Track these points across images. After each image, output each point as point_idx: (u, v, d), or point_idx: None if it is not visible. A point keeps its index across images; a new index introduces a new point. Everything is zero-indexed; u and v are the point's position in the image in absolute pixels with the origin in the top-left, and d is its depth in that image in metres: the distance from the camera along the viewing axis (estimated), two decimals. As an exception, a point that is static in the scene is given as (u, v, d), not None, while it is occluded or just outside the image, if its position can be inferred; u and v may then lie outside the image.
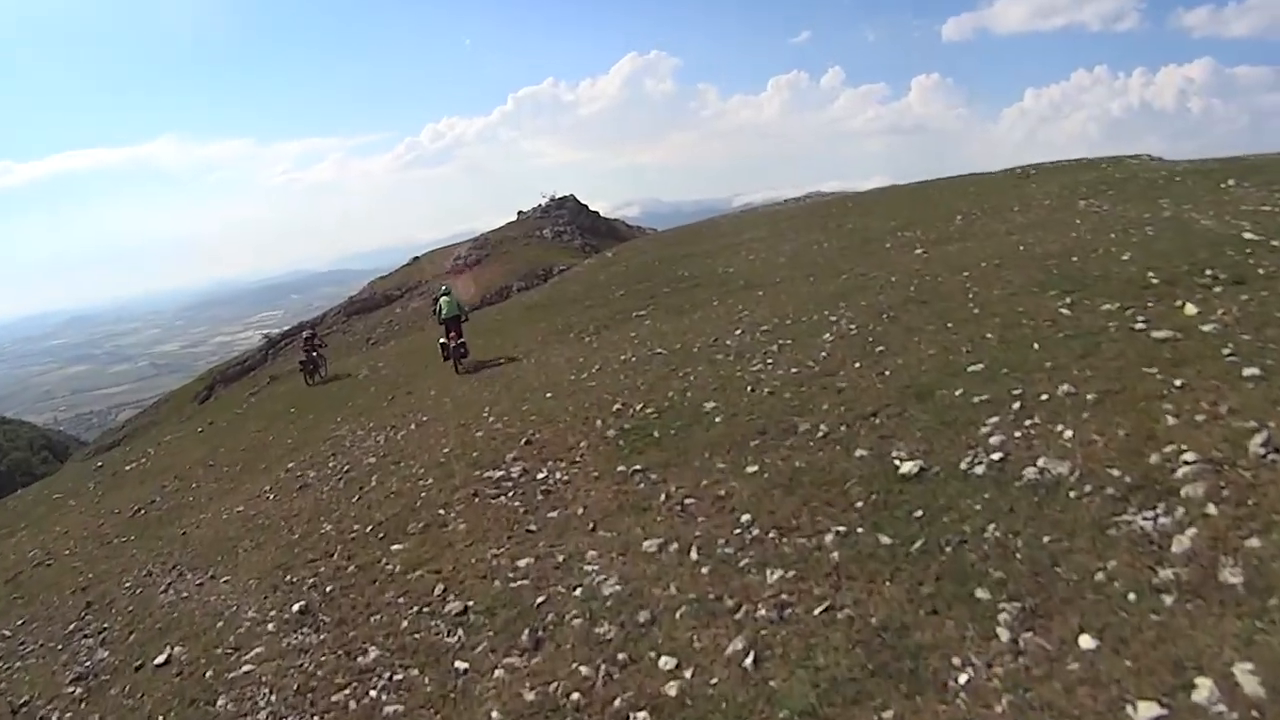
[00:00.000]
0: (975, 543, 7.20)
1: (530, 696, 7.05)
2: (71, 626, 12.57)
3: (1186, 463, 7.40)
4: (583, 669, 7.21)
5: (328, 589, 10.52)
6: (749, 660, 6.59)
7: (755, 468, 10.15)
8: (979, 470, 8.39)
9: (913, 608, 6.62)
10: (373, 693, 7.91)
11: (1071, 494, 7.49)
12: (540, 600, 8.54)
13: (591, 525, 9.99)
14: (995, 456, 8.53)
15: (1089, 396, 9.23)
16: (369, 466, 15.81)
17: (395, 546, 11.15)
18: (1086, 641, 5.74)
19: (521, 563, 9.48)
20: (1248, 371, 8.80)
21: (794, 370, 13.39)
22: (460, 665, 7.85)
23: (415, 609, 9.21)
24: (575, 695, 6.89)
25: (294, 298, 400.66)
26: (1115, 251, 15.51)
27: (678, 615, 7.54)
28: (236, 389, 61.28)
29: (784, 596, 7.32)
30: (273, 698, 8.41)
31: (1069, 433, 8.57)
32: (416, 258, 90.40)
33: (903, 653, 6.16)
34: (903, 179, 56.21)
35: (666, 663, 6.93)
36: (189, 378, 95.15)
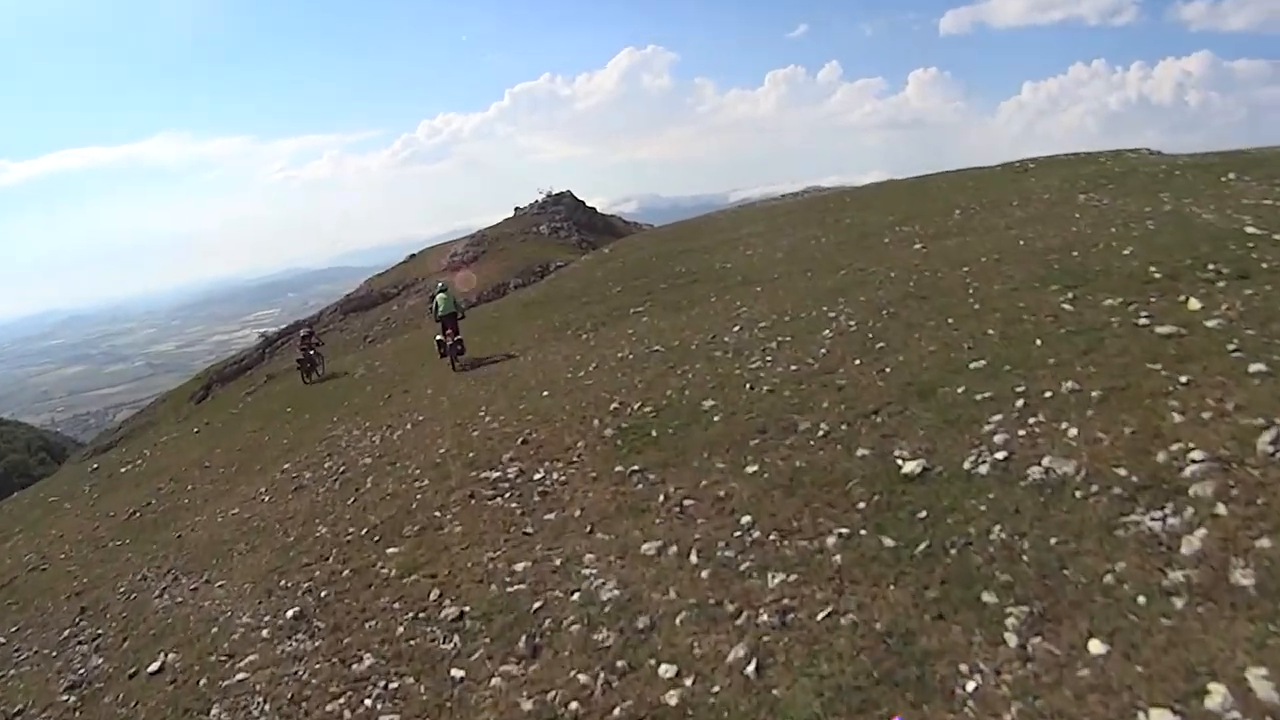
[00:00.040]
0: (981, 545, 7.07)
1: (528, 706, 6.92)
2: (66, 633, 12.46)
3: (1194, 461, 7.26)
4: (581, 677, 7.08)
5: (322, 594, 10.39)
6: (751, 668, 6.45)
7: (755, 467, 10.01)
8: (983, 470, 8.26)
9: (918, 612, 6.49)
10: (367, 702, 7.78)
11: (1078, 494, 7.36)
12: (537, 605, 8.39)
13: (589, 527, 9.85)
14: (999, 456, 8.39)
15: (1093, 394, 9.10)
16: (365, 467, 15.68)
17: (390, 550, 11.01)
18: (1096, 647, 5.62)
19: (518, 566, 9.34)
20: (1254, 367, 8.68)
21: (793, 367, 13.26)
22: (456, 673, 7.72)
23: (411, 615, 9.07)
24: (574, 705, 6.76)
25: (291, 296, 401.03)
26: (1116, 246, 15.44)
27: (678, 621, 7.40)
28: (233, 388, 61.26)
29: (786, 601, 7.18)
30: (266, 707, 8.29)
31: (1074, 431, 8.44)
32: (413, 255, 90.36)
33: (909, 659, 6.03)
34: (900, 173, 56.24)
35: (666, 671, 6.79)
36: (186, 377, 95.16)
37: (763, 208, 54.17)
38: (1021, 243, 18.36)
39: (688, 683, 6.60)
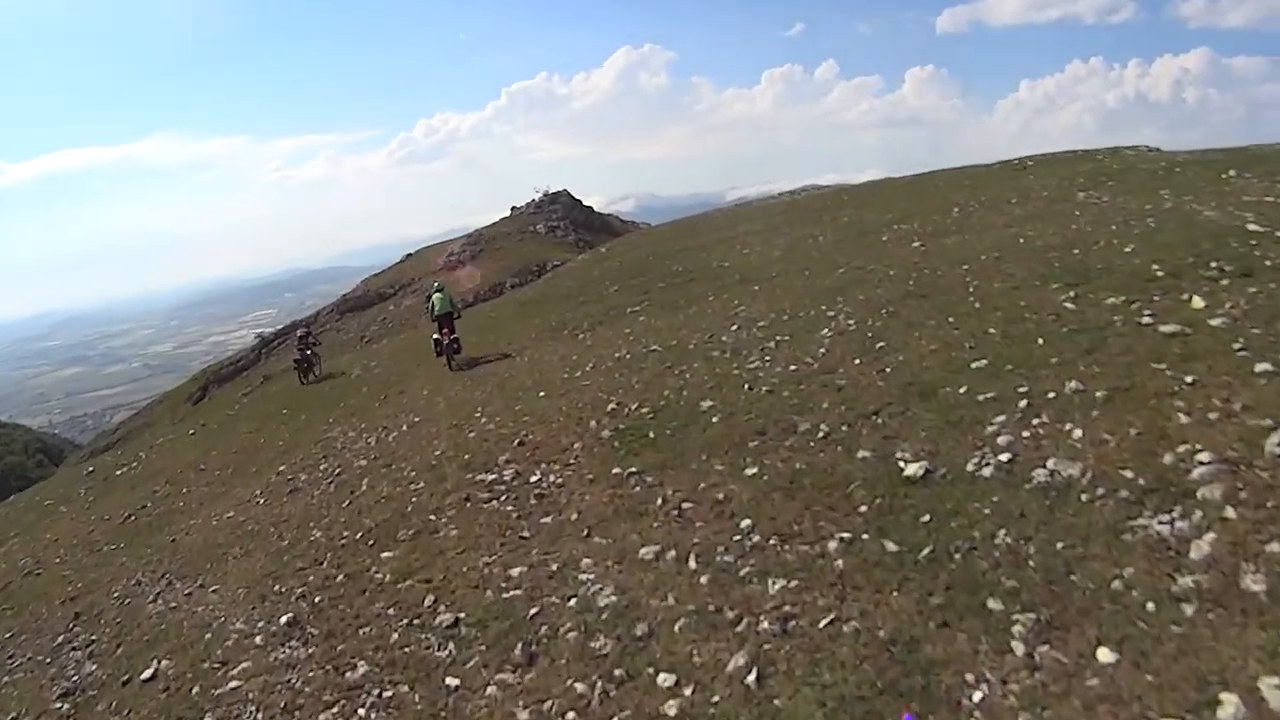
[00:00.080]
0: (985, 549, 6.95)
1: (524, 716, 6.83)
2: (60, 639, 12.35)
3: (1202, 463, 7.15)
4: (578, 686, 6.97)
5: (316, 599, 10.28)
6: (751, 677, 6.34)
7: (754, 470, 9.89)
8: (987, 472, 8.14)
9: (922, 620, 6.37)
10: (361, 711, 7.69)
11: (1084, 497, 7.25)
12: (534, 612, 8.28)
13: (586, 531, 9.73)
14: (1003, 458, 8.27)
15: (1098, 394, 8.98)
16: (360, 469, 15.56)
17: (385, 554, 10.90)
18: (1105, 655, 5.51)
19: (514, 571, 9.22)
20: (1260, 367, 8.57)
21: (792, 367, 13.14)
22: (451, 681, 7.62)
23: (405, 621, 8.97)
24: (571, 715, 6.66)
25: (288, 296, 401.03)
26: (1117, 244, 15.33)
27: (676, 628, 7.29)
28: (230, 389, 61.20)
29: (787, 608, 7.07)
30: (259, 716, 8.22)
31: (1079, 432, 8.32)
32: (410, 255, 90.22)
33: (913, 668, 5.92)
34: (897, 172, 56.28)
35: (665, 680, 6.68)
36: (183, 378, 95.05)
37: (760, 206, 54.15)
38: (1021, 240, 18.23)
39: (687, 692, 6.49)
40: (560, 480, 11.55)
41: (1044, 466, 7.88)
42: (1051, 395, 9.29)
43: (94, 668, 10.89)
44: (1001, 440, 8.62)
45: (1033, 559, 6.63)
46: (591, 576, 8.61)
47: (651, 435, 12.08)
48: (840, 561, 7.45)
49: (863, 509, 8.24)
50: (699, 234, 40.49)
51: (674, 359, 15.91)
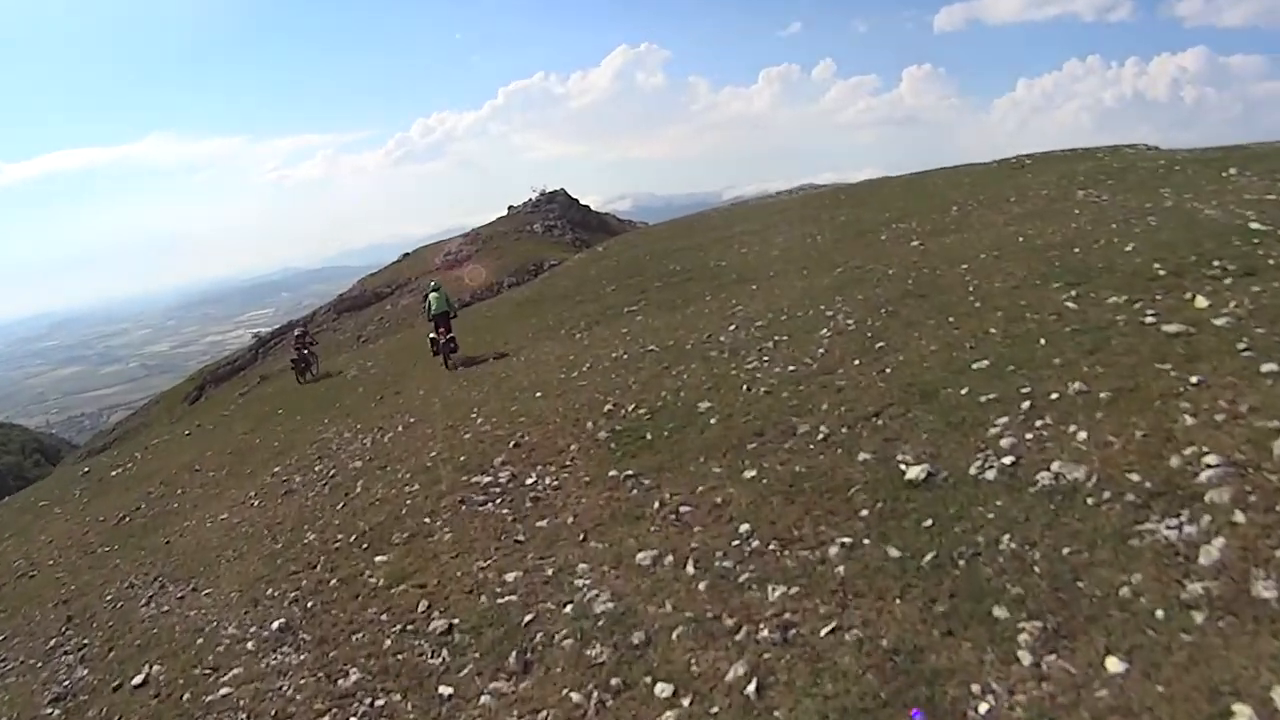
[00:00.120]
0: (990, 555, 6.81)
1: (518, 726, 6.69)
2: (52, 642, 12.22)
3: (1209, 466, 7.02)
4: (574, 696, 6.83)
5: (309, 604, 10.17)
6: (751, 687, 6.19)
7: (753, 472, 9.76)
8: (990, 475, 8.01)
9: (926, 628, 6.22)
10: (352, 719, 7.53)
11: (1089, 501, 7.11)
12: (529, 618, 8.15)
13: (582, 535, 9.60)
14: (1007, 460, 8.14)
15: (1102, 395, 8.86)
16: (355, 471, 15.47)
17: (379, 558, 10.78)
18: (1114, 665, 5.37)
19: (509, 576, 9.09)
20: (1266, 368, 8.43)
21: (791, 368, 13.04)
22: (444, 690, 7.49)
23: (398, 627, 8.84)
24: (566, 726, 6.52)
25: (284, 296, 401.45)
26: (1118, 242, 15.23)
27: (674, 636, 7.14)
28: (226, 389, 61.26)
29: (787, 616, 6.92)
30: (249, 724, 8.08)
31: (1083, 434, 8.19)
32: (406, 254, 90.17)
33: (917, 678, 5.77)
34: (895, 170, 56.18)
35: (663, 690, 6.54)
36: (180, 378, 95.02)
37: (757, 205, 54.13)
38: (1021, 239, 18.15)
39: (685, 703, 6.36)
40: (556, 483, 11.44)
41: (1048, 469, 7.75)
42: (1055, 396, 9.17)
43: (85, 672, 10.76)
44: (1004, 442, 8.50)
45: (1038, 565, 6.49)
46: (588, 582, 8.48)
47: (649, 437, 11.97)
48: (841, 567, 7.32)
49: (864, 513, 8.10)
50: (696, 233, 40.41)
51: (671, 359, 15.82)
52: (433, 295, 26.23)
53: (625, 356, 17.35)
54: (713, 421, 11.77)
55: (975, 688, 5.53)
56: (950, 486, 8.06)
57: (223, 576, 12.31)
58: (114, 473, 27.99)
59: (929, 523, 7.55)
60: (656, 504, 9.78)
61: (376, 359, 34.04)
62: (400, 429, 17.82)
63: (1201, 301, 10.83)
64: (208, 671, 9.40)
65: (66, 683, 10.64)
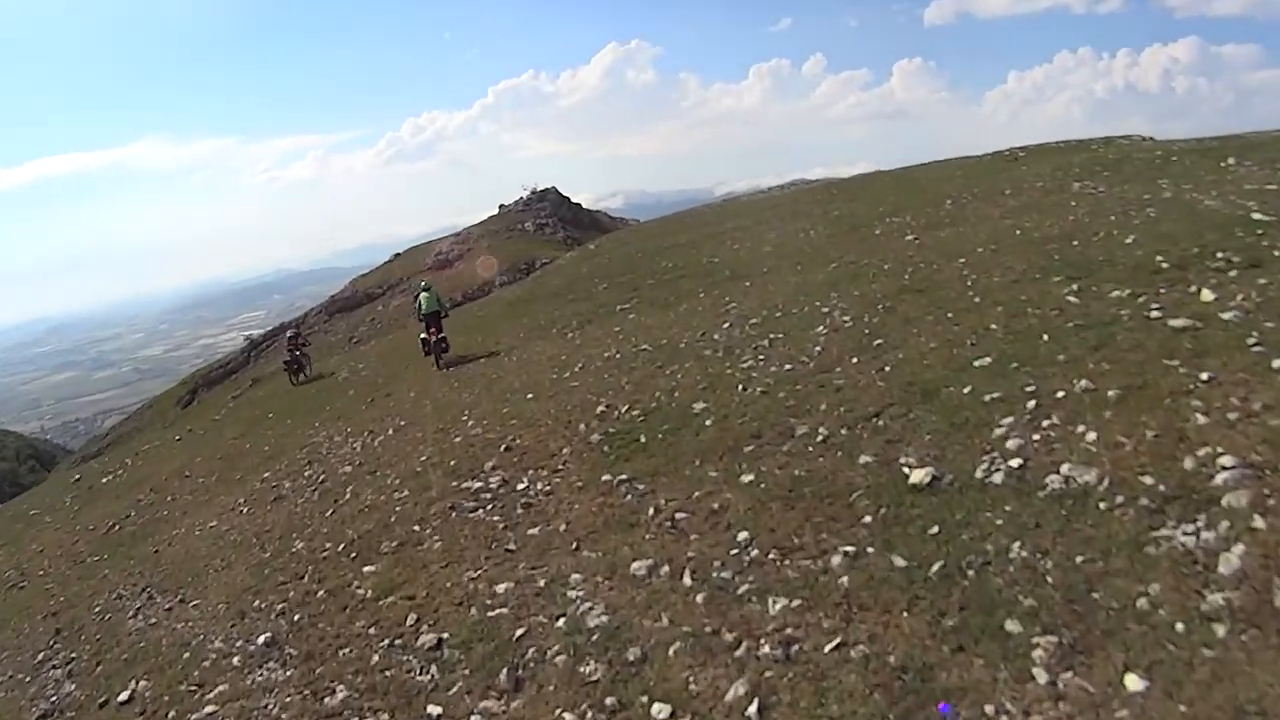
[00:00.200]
0: (1000, 564, 6.54)
1: (509, 749, 6.43)
2: (41, 655, 12.12)
3: (1224, 468, 6.78)
4: (567, 716, 6.57)
5: (296, 617, 9.94)
6: (753, 708, 5.91)
7: (751, 477, 9.51)
8: (997, 479, 7.75)
9: (935, 644, 5.95)
10: (339, 739, 7.31)
11: (1102, 505, 6.86)
12: (520, 633, 7.87)
13: (575, 544, 9.34)
14: (1014, 463, 7.89)
15: (1109, 393, 8.62)
16: (345, 476, 15.28)
17: (367, 568, 10.54)
18: (1134, 682, 5.12)
19: (500, 588, 8.82)
20: (1277, 363, 8.23)
21: (787, 367, 12.83)
22: (433, 710, 7.23)
23: (386, 642, 8.58)
24: (559, 748, 6.26)
25: (276, 298, 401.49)
26: (1118, 235, 15.05)
27: (671, 652, 6.85)
28: (219, 392, 61.17)
29: (789, 630, 6.64)
30: (234, 743, 7.87)
31: (1092, 435, 7.95)
32: (398, 254, 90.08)
33: (927, 698, 5.50)
34: (886, 165, 56.08)
35: (660, 710, 6.25)
36: (172, 382, 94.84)
37: (748, 201, 54.01)
38: (1018, 232, 17.98)
39: (683, 724, 6.07)
40: (548, 488, 11.20)
41: (1058, 472, 7.50)
42: (1061, 395, 8.94)
43: (73, 688, 10.61)
44: (1011, 444, 8.25)
45: (1051, 575, 6.23)
46: (580, 594, 8.21)
47: (642, 439, 11.74)
48: (845, 578, 7.04)
49: (867, 520, 7.84)
50: (688, 230, 40.20)
51: (665, 358, 15.61)
52: (424, 295, 26.31)
53: (618, 356, 17.16)
54: (708, 423, 11.54)
55: (989, 709, 5.26)
56: (956, 491, 7.81)
57: (210, 587, 12.14)
58: (104, 480, 27.97)
59: (935, 530, 7.29)
60: (651, 510, 9.52)
61: (368, 360, 33.94)
62: (391, 432, 17.63)
63: (1207, 295, 10.61)
64: (193, 688, 9.19)
65: (54, 698, 10.50)
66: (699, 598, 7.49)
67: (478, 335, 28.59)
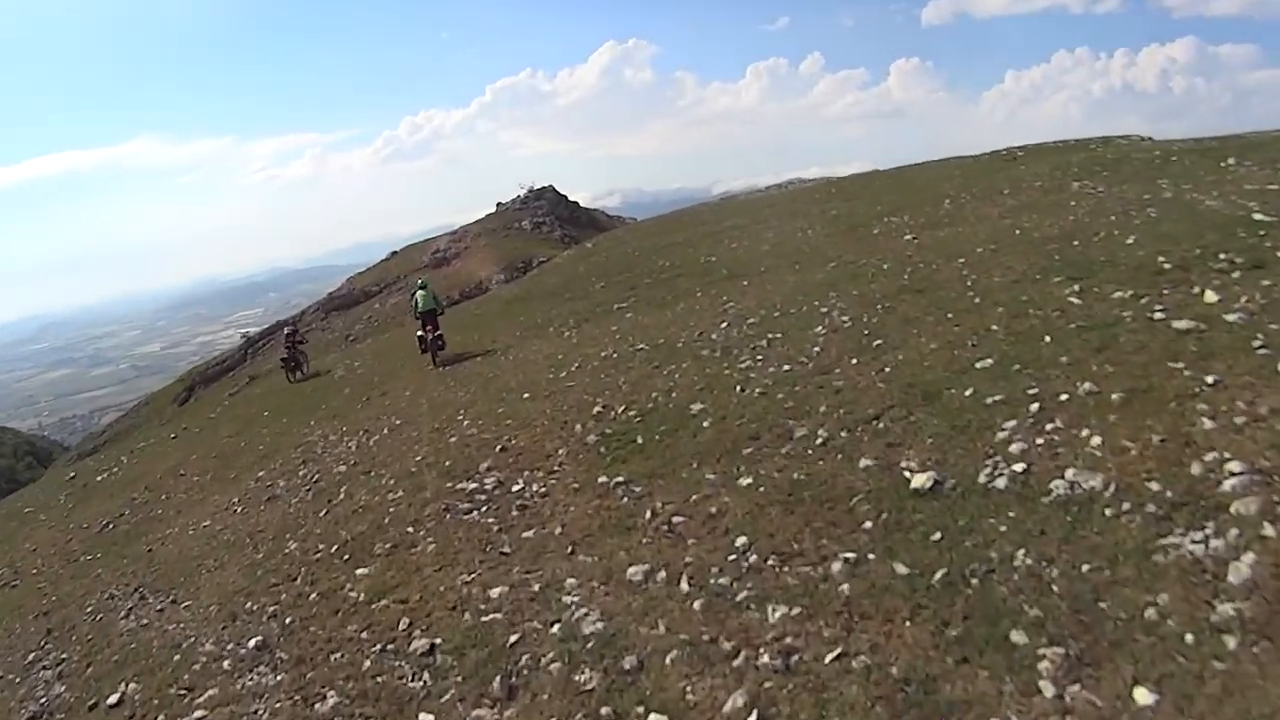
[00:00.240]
0: (1005, 573, 6.39)
1: (502, 759, 6.29)
2: (31, 656, 11.94)
3: (1232, 474, 6.65)
4: (561, 727, 6.41)
5: (287, 620, 9.77)
6: (752, 719, 5.77)
7: (749, 480, 9.36)
8: (1001, 484, 7.61)
9: (939, 654, 5.80)
10: (329, 747, 7.18)
11: (1108, 512, 6.71)
12: (514, 639, 7.70)
13: (570, 547, 9.19)
14: (1018, 468, 7.75)
15: (1114, 396, 8.50)
16: (339, 476, 15.16)
17: (360, 570, 10.39)
18: (1143, 696, 4.98)
19: (494, 592, 8.67)
20: (1284, 366, 8.08)
21: (786, 367, 12.72)
22: (425, 717, 7.06)
23: (378, 647, 8.40)
24: (553, 759, 6.12)
25: (273, 296, 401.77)
26: (1118, 235, 14.97)
27: (668, 661, 6.70)
28: (216, 389, 61.22)
29: (789, 640, 6.48)
30: (222, 751, 7.74)
31: (1097, 439, 7.81)
32: (394, 252, 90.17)
33: (931, 712, 5.36)
34: (883, 164, 56.14)
35: (657, 721, 6.11)
36: (170, 379, 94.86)
37: (746, 200, 53.92)
38: (1018, 232, 17.92)
39: (681, 736, 5.93)
40: (544, 489, 11.06)
41: (1062, 477, 7.36)
42: (1064, 398, 8.81)
43: (62, 689, 10.43)
44: (1014, 448, 8.11)
45: (1057, 584, 6.08)
46: (576, 599, 8.05)
47: (639, 440, 11.61)
48: (846, 586, 6.89)
49: (867, 525, 7.69)
50: (686, 228, 40.15)
51: (662, 358, 15.49)
52: (420, 293, 26.44)
53: (615, 355, 17.05)
54: (706, 424, 11.41)
55: (994, 722, 5.13)
56: (959, 496, 7.66)
57: (203, 588, 12.00)
58: (99, 478, 27.81)
59: (937, 536, 7.14)
60: (648, 513, 9.37)
61: (364, 359, 33.91)
62: (386, 431, 17.53)
63: (1211, 296, 10.50)
64: (183, 692, 9.02)
65: (44, 699, 10.32)
66: (696, 604, 7.34)
67: (474, 333, 28.57)
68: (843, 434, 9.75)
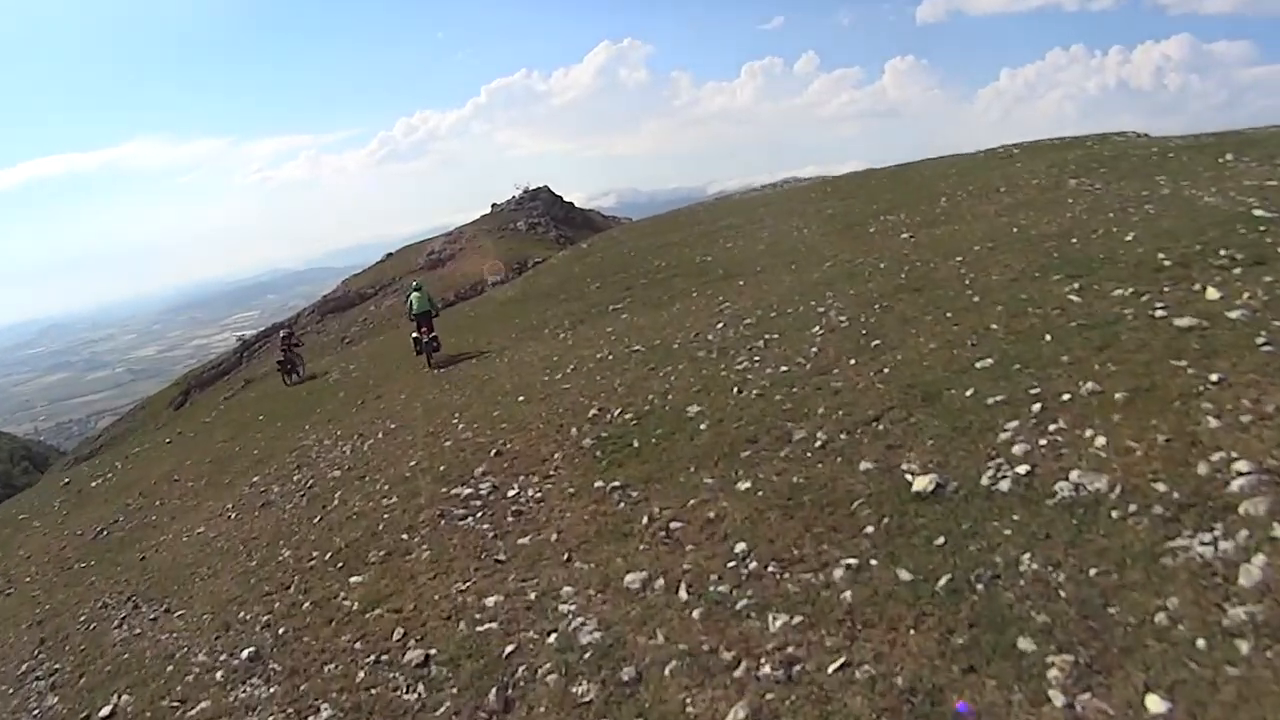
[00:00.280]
0: (1010, 578, 6.25)
1: (498, 774, 6.16)
2: (25, 666, 11.88)
3: (1240, 473, 6.51)
4: (558, 740, 6.27)
5: (281, 630, 9.64)
6: (754, 733, 5.63)
7: (748, 484, 9.22)
8: (1004, 486, 7.46)
9: (945, 663, 5.65)
10: (322, 763, 7.05)
11: (1114, 514, 6.57)
12: (510, 649, 7.55)
13: (566, 554, 9.04)
14: (1021, 470, 7.60)
15: (1117, 395, 8.36)
16: (333, 481, 15.07)
17: (354, 579, 10.26)
18: (1155, 704, 4.85)
19: (489, 601, 8.53)
20: (1288, 363, 7.97)
21: (783, 368, 12.59)
22: (420, 731, 6.94)
23: (372, 657, 8.27)
24: (550, 774, 5.99)
25: (270, 298, 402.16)
26: (1117, 232, 14.89)
27: (667, 672, 6.54)
28: (211, 393, 61.31)
29: (791, 650, 6.32)
30: (214, 765, 7.63)
31: (1101, 439, 7.67)
32: (390, 254, 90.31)
33: (938, 723, 5.22)
34: (878, 163, 56.15)
35: (657, 735, 5.96)
36: (166, 383, 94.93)
37: (741, 199, 53.84)
38: (1015, 230, 17.86)
39: (681, 749, 5.79)
40: (539, 495, 10.94)
41: (1067, 479, 7.22)
42: (1066, 397, 8.67)
43: (55, 701, 10.34)
44: (1017, 449, 7.97)
45: (1064, 589, 5.94)
46: (572, 608, 7.91)
47: (635, 444, 11.47)
48: (848, 593, 6.74)
49: (869, 530, 7.55)
50: (681, 228, 40.10)
51: (658, 360, 15.38)
52: (414, 295, 26.42)
53: (610, 357, 16.97)
54: (703, 427, 11.27)
55: (1004, 734, 5.00)
56: (961, 499, 7.52)
57: (196, 596, 11.92)
58: (94, 484, 27.87)
59: (941, 541, 6.99)
60: (645, 519, 9.23)
61: (359, 361, 33.86)
62: (380, 435, 17.45)
63: (1213, 293, 10.37)
64: (176, 704, 8.90)
65: (36, 711, 10.27)
66: (695, 613, 7.19)
67: (469, 335, 28.57)
68: (842, 436, 9.61)
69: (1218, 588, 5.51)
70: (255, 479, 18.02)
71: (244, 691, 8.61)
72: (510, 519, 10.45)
